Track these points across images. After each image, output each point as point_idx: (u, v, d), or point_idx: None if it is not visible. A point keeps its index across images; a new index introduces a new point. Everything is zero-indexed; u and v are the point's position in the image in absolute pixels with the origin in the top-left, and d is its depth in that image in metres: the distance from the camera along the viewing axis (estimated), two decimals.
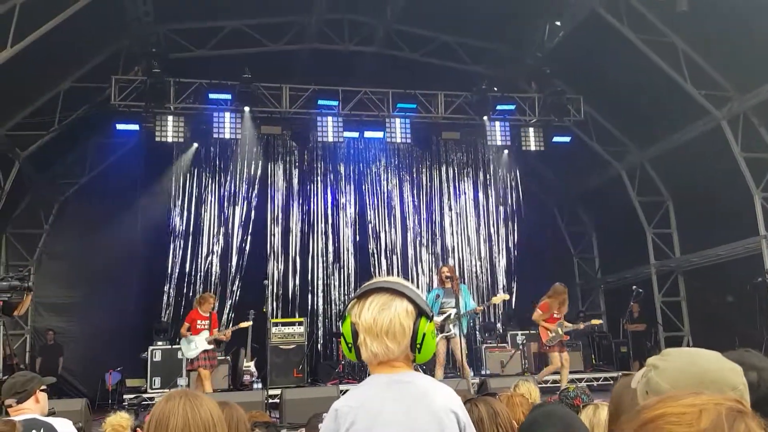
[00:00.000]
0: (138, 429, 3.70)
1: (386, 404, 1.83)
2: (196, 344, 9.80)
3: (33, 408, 3.90)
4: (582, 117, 13.53)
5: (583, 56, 12.42)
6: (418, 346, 1.87)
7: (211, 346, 9.90)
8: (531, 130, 13.64)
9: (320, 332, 14.21)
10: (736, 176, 11.37)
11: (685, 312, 13.89)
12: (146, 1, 10.65)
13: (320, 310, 14.41)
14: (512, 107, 13.51)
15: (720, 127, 11.46)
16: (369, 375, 1.95)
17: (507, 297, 11.65)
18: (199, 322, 9.96)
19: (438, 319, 9.45)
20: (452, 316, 9.46)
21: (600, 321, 11.42)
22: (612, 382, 10.49)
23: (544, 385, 10.53)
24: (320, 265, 14.63)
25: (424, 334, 1.87)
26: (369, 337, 1.86)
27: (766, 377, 1.80)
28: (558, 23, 11.67)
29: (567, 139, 13.84)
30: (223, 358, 11.43)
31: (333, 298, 14.50)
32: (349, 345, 1.92)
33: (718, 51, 10.99)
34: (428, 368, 10.61)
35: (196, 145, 13.67)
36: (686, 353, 1.55)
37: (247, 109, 12.43)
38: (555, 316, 10.13)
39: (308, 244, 14.61)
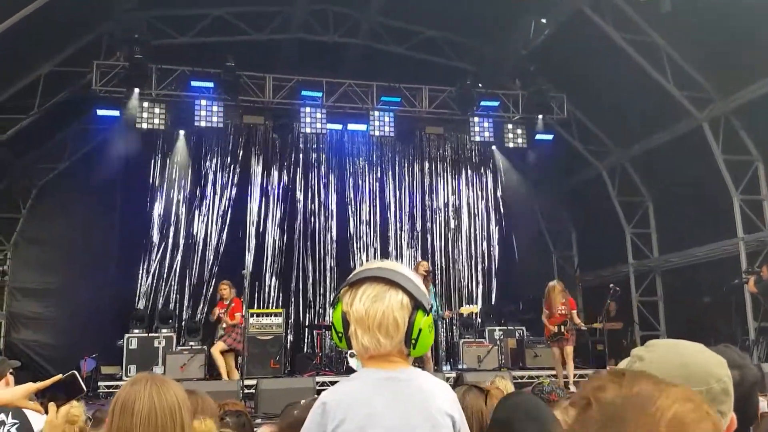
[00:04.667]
0: (90, 419, 3.65)
1: (380, 404, 1.71)
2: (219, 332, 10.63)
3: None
4: (565, 115, 13.61)
5: (567, 55, 12.47)
6: (413, 341, 1.74)
7: (223, 332, 10.50)
8: (514, 127, 13.69)
9: (299, 323, 14.17)
10: (716, 178, 11.48)
11: (661, 311, 14.02)
12: None
13: (299, 302, 14.35)
14: (496, 104, 13.55)
15: (701, 128, 11.56)
16: (361, 368, 1.83)
17: (476, 310, 11.85)
18: (219, 311, 10.63)
19: None
20: None
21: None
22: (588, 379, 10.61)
23: (520, 381, 10.61)
24: (300, 256, 14.57)
25: (420, 329, 1.74)
26: (360, 329, 1.74)
27: (748, 375, 1.80)
28: (543, 21, 11.70)
29: (549, 137, 13.91)
30: (200, 347, 11.40)
31: (312, 289, 14.46)
32: (339, 334, 1.79)
33: (701, 53, 11.07)
34: (418, 361, 10.68)
35: (177, 132, 13.54)
36: (672, 345, 1.54)
37: (229, 97, 12.35)
38: (560, 313, 10.29)
39: (288, 236, 14.54)
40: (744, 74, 10.62)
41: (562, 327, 10.21)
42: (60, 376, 2.14)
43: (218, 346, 10.37)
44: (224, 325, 10.47)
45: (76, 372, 2.13)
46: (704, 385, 1.42)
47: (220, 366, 10.24)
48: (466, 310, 11.50)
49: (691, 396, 1.03)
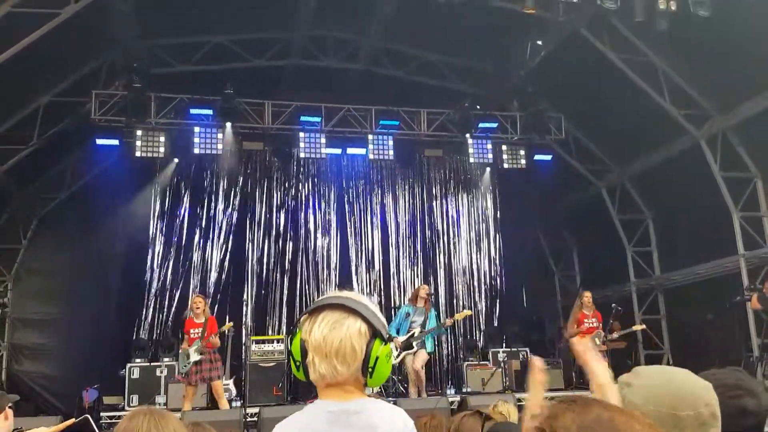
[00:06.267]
0: None
1: None
2: (188, 357, 9.13)
3: (2, 425, 3.85)
4: (563, 135, 13.63)
5: (564, 75, 12.54)
6: (370, 369, 1.73)
7: (201, 357, 9.07)
8: (513, 148, 13.74)
9: None
10: (716, 195, 11.48)
11: (665, 330, 13.95)
12: (130, 16, 10.61)
13: None
14: (494, 125, 13.59)
15: (699, 146, 11.59)
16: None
17: (469, 312, 11.86)
18: (192, 331, 9.22)
19: (402, 337, 9.58)
20: (416, 335, 9.59)
21: (642, 326, 11.59)
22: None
23: (523, 403, 10.51)
24: (301, 281, 14.52)
25: (377, 358, 1.73)
26: (318, 357, 1.73)
27: (765, 403, 1.78)
28: (540, 43, 11.78)
29: (548, 157, 13.95)
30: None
31: None
32: (297, 363, 1.79)
33: (697, 71, 11.14)
34: (405, 384, 10.63)
35: (176, 160, 13.56)
36: (659, 371, 1.55)
37: (228, 124, 12.42)
38: (588, 325, 10.04)
39: (289, 261, 14.51)
40: (740, 91, 10.67)
41: (597, 340, 9.91)
42: (72, 420, 2.12)
43: (220, 385, 9.48)
44: (202, 350, 9.14)
45: (89, 416, 2.11)
46: (693, 409, 1.42)
47: (222, 403, 9.47)
48: (460, 315, 11.48)
49: (650, 422, 1.03)
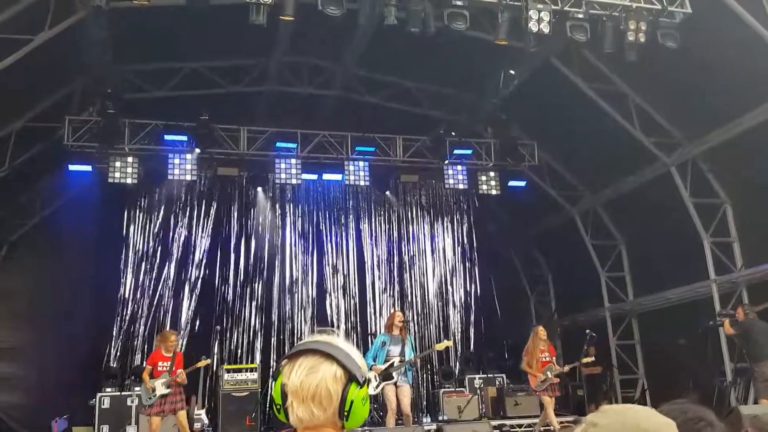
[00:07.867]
0: None
1: None
2: (154, 390, 9.09)
3: None
4: (536, 162, 13.81)
5: (537, 103, 12.71)
6: (346, 413, 1.78)
7: (169, 390, 9.09)
8: (487, 174, 13.86)
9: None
10: (686, 221, 11.65)
11: (639, 355, 14.04)
12: (104, 42, 10.56)
13: (279, 355, 14.09)
14: (469, 152, 13.72)
15: (670, 173, 11.78)
16: None
17: (450, 343, 11.75)
18: (160, 363, 9.23)
19: (382, 366, 9.44)
20: (395, 364, 9.43)
21: (590, 358, 11.38)
22: (567, 425, 10.47)
23: (501, 431, 10.48)
24: (277, 309, 14.38)
25: (352, 401, 1.79)
26: (296, 401, 1.79)
27: (722, 429, 1.82)
28: (513, 72, 11.94)
29: (522, 183, 14.12)
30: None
31: (288, 343, 14.22)
32: (278, 406, 1.85)
33: (666, 99, 11.36)
34: (383, 414, 10.52)
35: (150, 186, 13.46)
36: (624, 410, 1.56)
37: (202, 150, 12.37)
38: (544, 359, 10.06)
39: (263, 288, 14.38)
40: (709, 119, 10.87)
41: (549, 373, 9.90)
42: None
43: (184, 415, 9.35)
44: (169, 384, 9.12)
45: None
46: None
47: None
48: (440, 346, 11.36)
49: None
